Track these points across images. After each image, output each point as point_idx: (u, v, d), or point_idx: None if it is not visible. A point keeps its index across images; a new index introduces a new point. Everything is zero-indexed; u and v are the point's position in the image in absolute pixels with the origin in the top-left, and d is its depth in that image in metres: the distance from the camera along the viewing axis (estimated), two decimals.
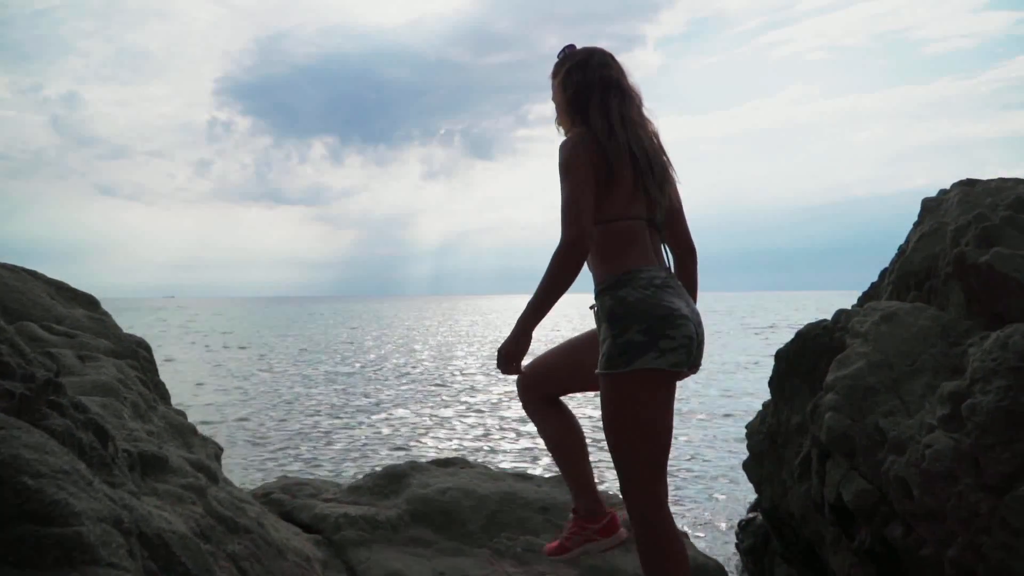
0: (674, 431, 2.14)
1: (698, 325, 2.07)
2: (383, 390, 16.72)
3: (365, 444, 10.14)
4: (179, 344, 32.76)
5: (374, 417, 12.79)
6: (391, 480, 3.00)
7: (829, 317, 4.21)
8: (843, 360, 3.73)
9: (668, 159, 2.21)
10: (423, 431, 11.30)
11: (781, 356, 4.31)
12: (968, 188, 4.27)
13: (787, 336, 4.43)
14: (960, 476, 3.07)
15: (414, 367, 22.48)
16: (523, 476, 3.27)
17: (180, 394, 15.76)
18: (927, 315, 3.76)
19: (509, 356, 2.06)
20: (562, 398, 2.38)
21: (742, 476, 8.35)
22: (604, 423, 2.04)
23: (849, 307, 4.38)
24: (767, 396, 4.55)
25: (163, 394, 3.06)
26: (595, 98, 2.12)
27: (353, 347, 31.37)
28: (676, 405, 2.13)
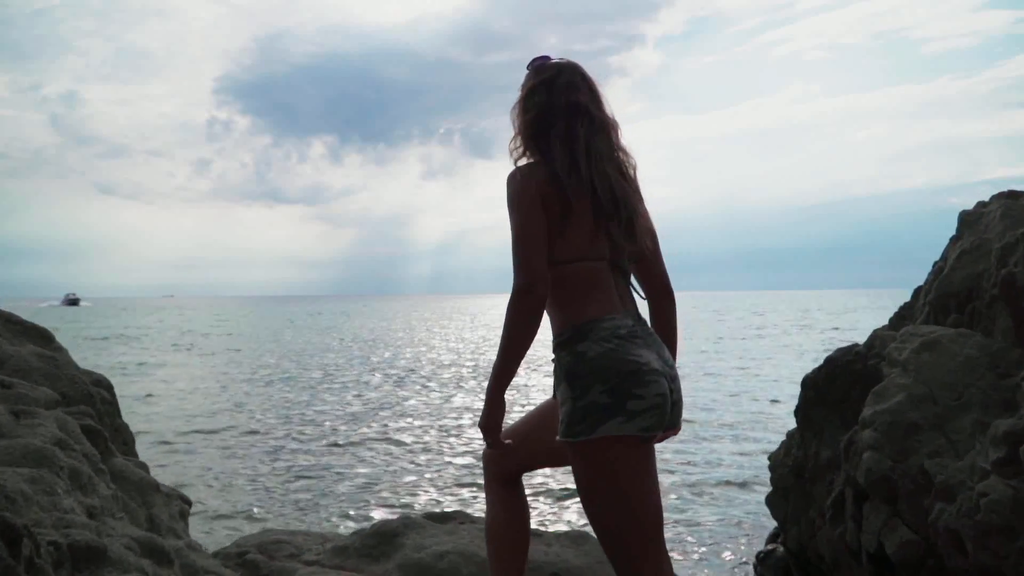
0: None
1: (673, 380, 1.76)
2: (383, 396, 16.40)
3: (358, 469, 9.74)
4: (177, 345, 32.43)
5: (371, 428, 12.46)
6: (381, 540, 2.66)
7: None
8: (881, 392, 3.39)
9: (641, 197, 1.89)
10: (421, 447, 10.98)
11: (808, 383, 3.97)
12: (1011, 202, 3.93)
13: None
14: (1020, 530, 2.75)
15: (416, 368, 22.18)
16: (531, 534, 2.92)
17: (173, 400, 15.42)
18: (973, 343, 3.42)
19: (486, 429, 1.81)
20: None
21: (755, 492, 8.03)
22: (580, 499, 1.74)
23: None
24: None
25: (125, 439, 2.73)
26: (559, 125, 1.81)
27: (353, 349, 31.07)
28: None
